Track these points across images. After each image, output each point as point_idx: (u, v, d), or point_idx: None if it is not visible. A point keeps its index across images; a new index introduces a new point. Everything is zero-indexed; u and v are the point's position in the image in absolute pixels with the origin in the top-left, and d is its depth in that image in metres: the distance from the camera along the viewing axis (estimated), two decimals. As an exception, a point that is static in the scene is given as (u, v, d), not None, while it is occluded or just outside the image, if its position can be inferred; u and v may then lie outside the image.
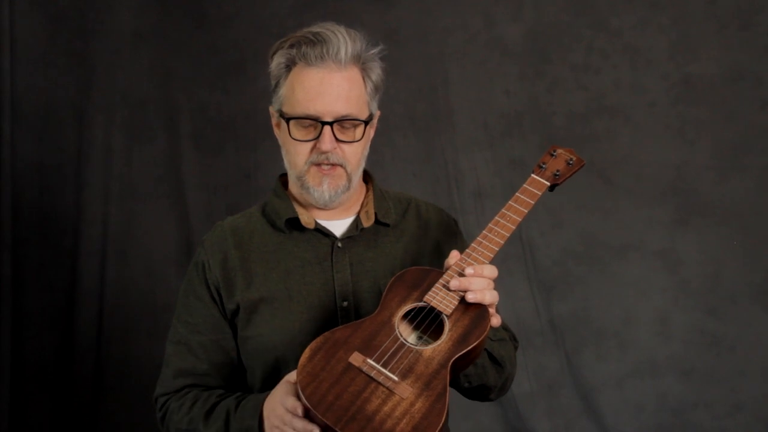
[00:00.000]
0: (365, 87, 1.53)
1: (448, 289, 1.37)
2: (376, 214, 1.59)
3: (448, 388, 1.29)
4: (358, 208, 1.61)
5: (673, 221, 2.91)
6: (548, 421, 2.95)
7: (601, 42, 2.97)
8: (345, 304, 1.52)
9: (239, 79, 3.10)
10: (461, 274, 1.37)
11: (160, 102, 3.09)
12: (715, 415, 2.84)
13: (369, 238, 1.57)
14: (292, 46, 1.49)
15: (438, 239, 1.62)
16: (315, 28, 1.49)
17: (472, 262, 1.40)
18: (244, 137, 3.11)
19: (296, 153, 1.51)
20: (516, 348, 1.64)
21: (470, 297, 1.35)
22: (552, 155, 1.59)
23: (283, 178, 1.64)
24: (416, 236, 1.61)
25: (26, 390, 2.85)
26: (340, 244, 1.55)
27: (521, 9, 3.03)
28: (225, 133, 3.13)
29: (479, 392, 1.56)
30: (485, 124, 3.05)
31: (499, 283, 3.22)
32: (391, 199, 1.65)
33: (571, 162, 1.58)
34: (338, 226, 1.58)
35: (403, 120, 3.03)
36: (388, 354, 1.31)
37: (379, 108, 1.59)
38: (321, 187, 1.50)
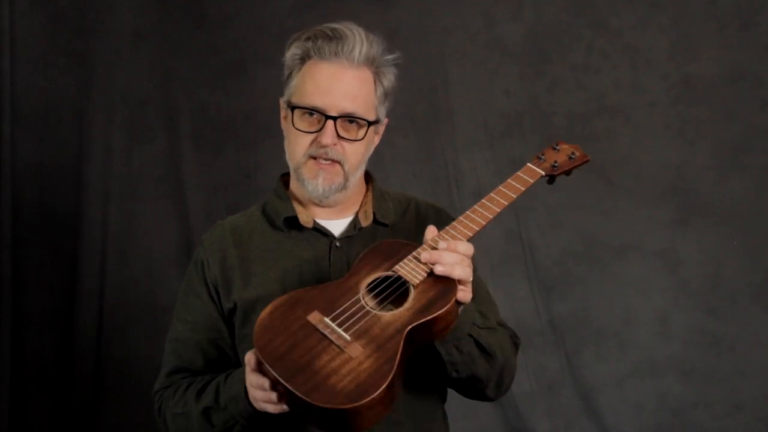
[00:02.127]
0: (375, 90, 1.53)
1: (419, 261, 1.36)
2: (374, 213, 1.59)
3: (401, 353, 1.27)
4: (357, 207, 1.61)
5: (673, 221, 2.91)
6: (548, 421, 2.95)
7: (601, 42, 2.97)
8: None
9: (239, 79, 3.11)
10: (435, 248, 1.37)
11: (160, 102, 3.09)
12: (715, 415, 2.84)
13: (367, 237, 1.57)
14: (308, 39, 1.50)
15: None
16: (334, 24, 1.50)
17: (449, 238, 1.39)
18: (244, 137, 3.11)
19: (296, 143, 1.51)
20: (517, 346, 1.62)
21: (438, 269, 1.33)
22: (555, 149, 1.57)
23: (285, 178, 1.65)
24: (413, 235, 1.59)
25: (26, 390, 2.85)
26: (338, 244, 1.55)
27: (521, 9, 3.03)
28: (225, 133, 3.13)
29: (473, 387, 1.53)
30: (485, 124, 3.05)
31: (499, 283, 3.22)
32: (391, 199, 1.65)
33: (573, 156, 1.56)
34: (337, 225, 1.58)
35: (403, 120, 3.03)
36: (346, 315, 1.32)
37: (387, 115, 1.59)
38: (316, 180, 1.51)
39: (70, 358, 2.94)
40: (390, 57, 1.54)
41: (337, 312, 1.32)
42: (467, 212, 1.45)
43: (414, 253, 1.38)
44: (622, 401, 2.92)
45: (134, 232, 3.04)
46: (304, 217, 1.56)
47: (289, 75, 1.54)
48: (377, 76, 1.53)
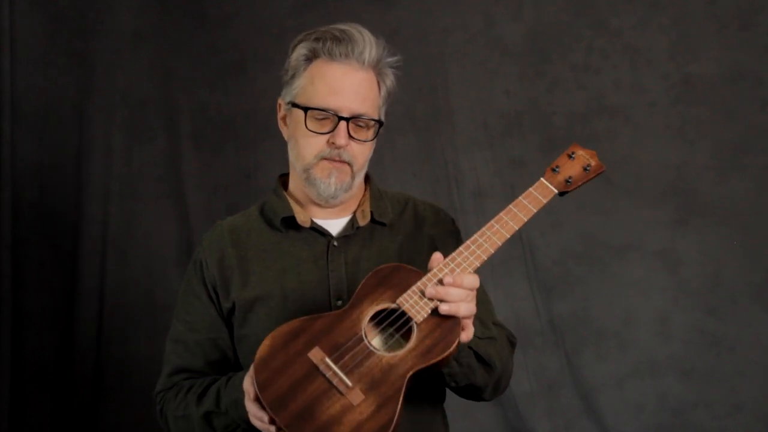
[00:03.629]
0: (379, 92, 1.55)
1: (424, 295, 1.33)
2: (372, 213, 1.59)
3: (402, 399, 1.27)
4: (354, 207, 1.61)
5: (673, 221, 2.91)
6: (548, 421, 2.95)
7: (601, 42, 2.97)
8: (339, 303, 1.51)
9: (239, 79, 3.10)
10: (440, 281, 1.33)
11: (160, 102, 3.09)
12: (715, 415, 2.84)
13: (365, 237, 1.58)
14: (317, 39, 1.50)
15: (433, 236, 1.62)
16: (341, 26, 1.51)
17: (455, 267, 1.34)
18: (244, 137, 3.11)
19: (307, 145, 1.51)
20: (514, 345, 1.63)
21: (444, 309, 1.31)
22: (570, 157, 1.49)
23: (283, 179, 1.65)
24: (412, 234, 1.61)
25: (26, 390, 2.85)
26: (335, 243, 1.55)
27: (521, 9, 3.03)
28: (225, 133, 3.13)
29: (470, 392, 1.54)
30: (485, 124, 3.05)
31: (499, 283, 3.21)
32: (389, 199, 1.65)
33: (588, 168, 1.48)
34: (334, 225, 1.58)
35: (403, 120, 3.03)
36: (348, 356, 1.30)
37: (385, 116, 1.60)
38: (329, 179, 1.51)
39: (70, 358, 2.94)
40: (392, 59, 1.55)
41: (339, 352, 1.30)
42: (475, 236, 1.38)
43: (419, 284, 1.33)
44: (622, 401, 2.92)
45: (134, 232, 3.03)
46: (302, 216, 1.56)
47: (294, 75, 1.53)
48: (380, 77, 1.54)
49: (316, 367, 1.29)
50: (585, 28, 2.98)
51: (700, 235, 2.89)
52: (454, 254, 1.36)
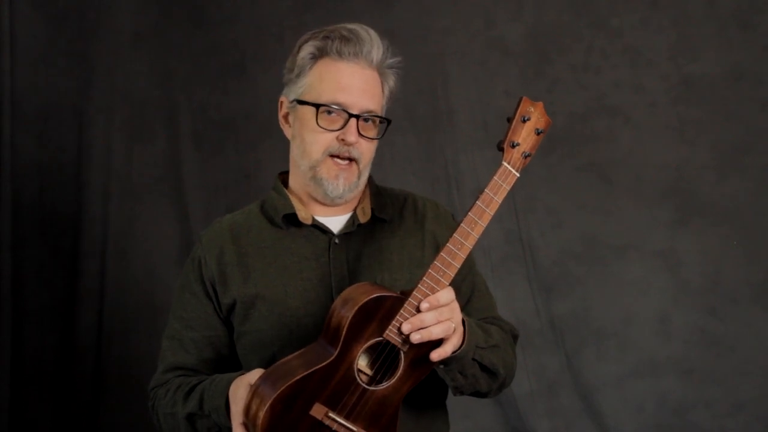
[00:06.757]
0: (383, 91, 1.57)
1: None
2: (372, 209, 1.59)
3: (398, 420, 1.37)
4: (355, 204, 1.61)
5: (673, 221, 2.91)
6: (548, 421, 2.95)
7: (601, 42, 2.97)
8: None
9: (239, 79, 3.11)
10: (419, 309, 1.34)
11: (160, 102, 3.09)
12: (715, 415, 2.84)
13: (366, 233, 1.58)
14: (325, 38, 1.51)
15: (434, 231, 1.63)
16: (349, 25, 1.52)
17: (433, 284, 1.35)
18: (244, 137, 3.11)
19: (314, 141, 1.51)
20: (516, 338, 1.64)
21: (415, 338, 1.32)
22: (524, 121, 1.40)
23: (283, 176, 1.65)
24: (413, 230, 1.62)
25: (26, 390, 2.85)
26: (337, 240, 1.56)
27: (521, 9, 3.03)
28: (225, 133, 3.13)
29: (474, 394, 1.56)
30: (485, 124, 3.05)
31: (499, 283, 3.21)
32: (387, 195, 1.66)
33: (540, 131, 1.42)
34: (335, 222, 1.58)
35: (403, 120, 3.03)
36: (350, 403, 1.34)
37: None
38: (337, 180, 1.52)
39: (70, 358, 2.94)
40: (393, 61, 1.56)
41: (340, 402, 1.33)
42: (448, 245, 1.36)
43: (402, 313, 1.34)
44: (622, 401, 2.92)
45: (134, 232, 3.04)
46: (303, 213, 1.56)
47: (299, 73, 1.54)
48: (383, 78, 1.56)
49: (320, 423, 1.32)
50: (585, 28, 2.98)
51: (700, 235, 2.89)
52: (430, 270, 1.36)
